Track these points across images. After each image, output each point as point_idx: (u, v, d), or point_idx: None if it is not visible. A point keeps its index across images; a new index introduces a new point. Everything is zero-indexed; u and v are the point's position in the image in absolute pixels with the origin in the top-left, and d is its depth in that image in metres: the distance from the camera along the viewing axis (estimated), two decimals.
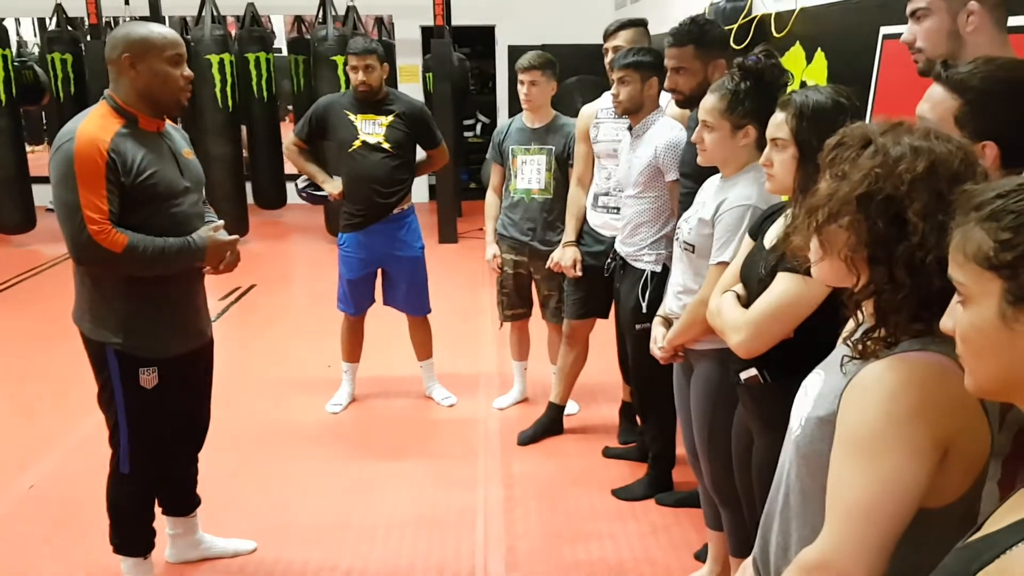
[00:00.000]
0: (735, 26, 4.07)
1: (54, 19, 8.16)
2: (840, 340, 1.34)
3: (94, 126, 2.22)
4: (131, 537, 2.53)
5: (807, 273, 1.42)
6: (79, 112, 2.33)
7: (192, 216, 2.40)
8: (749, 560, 1.43)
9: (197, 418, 2.65)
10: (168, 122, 2.44)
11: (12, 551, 2.90)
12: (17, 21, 9.86)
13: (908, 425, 1.07)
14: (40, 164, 8.13)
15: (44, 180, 8.08)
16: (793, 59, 3.57)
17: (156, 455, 2.47)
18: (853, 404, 1.12)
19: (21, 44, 10.20)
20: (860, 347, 1.17)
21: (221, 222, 2.49)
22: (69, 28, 8.28)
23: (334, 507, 3.18)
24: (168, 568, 2.77)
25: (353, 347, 4.08)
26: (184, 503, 2.76)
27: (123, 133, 2.24)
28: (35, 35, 10.70)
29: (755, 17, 3.98)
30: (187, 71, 2.33)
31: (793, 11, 3.51)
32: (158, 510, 2.65)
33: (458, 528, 3.03)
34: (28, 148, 8.01)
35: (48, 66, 8.09)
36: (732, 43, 3.94)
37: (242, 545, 2.87)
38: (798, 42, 3.52)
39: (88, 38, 7.70)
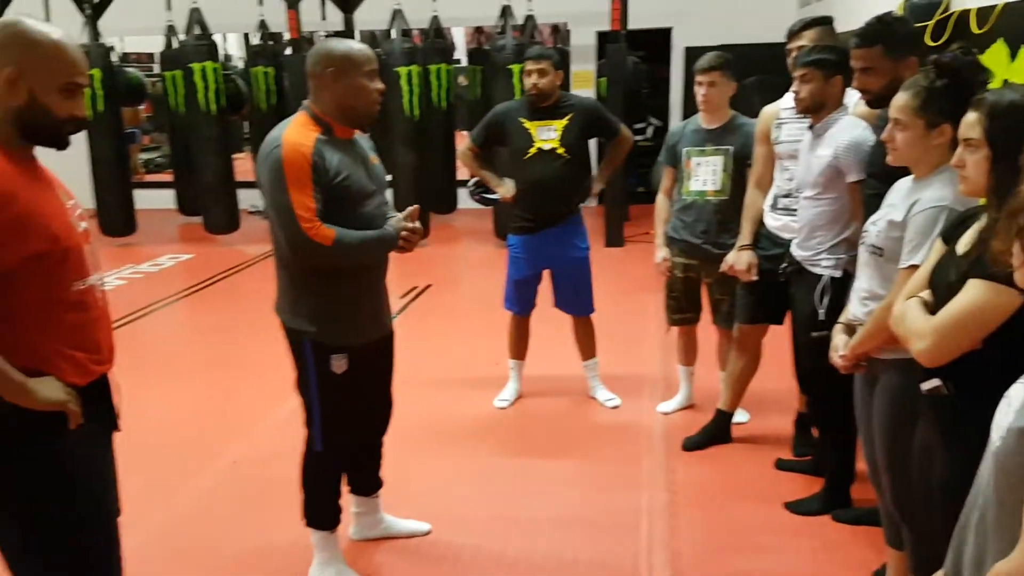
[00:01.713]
0: (931, 22, 3.85)
1: (258, 34, 8.88)
2: None
3: (296, 133, 2.42)
4: (321, 511, 2.72)
5: (1004, 280, 1.35)
6: (279, 122, 2.53)
7: (377, 216, 2.56)
8: (939, 574, 1.38)
9: (381, 403, 2.83)
10: (356, 131, 2.61)
11: (215, 520, 3.20)
12: (224, 36, 10.76)
13: None
14: (242, 170, 8.92)
15: (246, 185, 8.82)
16: (995, 57, 3.34)
17: (345, 435, 2.66)
18: None
19: (228, 58, 11.14)
20: None
21: (415, 207, 2.63)
22: (271, 42, 8.98)
23: (501, 499, 3.29)
24: (351, 544, 2.96)
25: (519, 345, 4.20)
26: (369, 483, 2.94)
27: (322, 140, 2.42)
28: (240, 49, 11.67)
29: (953, 12, 3.75)
30: (380, 84, 2.50)
31: (996, 6, 3.29)
32: (345, 489, 2.84)
33: (621, 530, 3.05)
34: (233, 156, 8.72)
35: (251, 78, 8.80)
36: (928, 40, 3.74)
37: (418, 527, 3.03)
38: (1001, 39, 3.29)
39: (288, 51, 8.32)
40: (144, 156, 11.92)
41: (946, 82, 2.02)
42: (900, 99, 2.10)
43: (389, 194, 8.17)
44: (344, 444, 2.68)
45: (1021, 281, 1.21)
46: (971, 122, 1.77)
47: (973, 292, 1.69)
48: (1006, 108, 1.72)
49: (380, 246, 2.52)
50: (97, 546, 1.86)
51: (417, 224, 2.60)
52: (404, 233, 2.55)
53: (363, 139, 2.66)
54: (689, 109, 6.02)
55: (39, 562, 1.79)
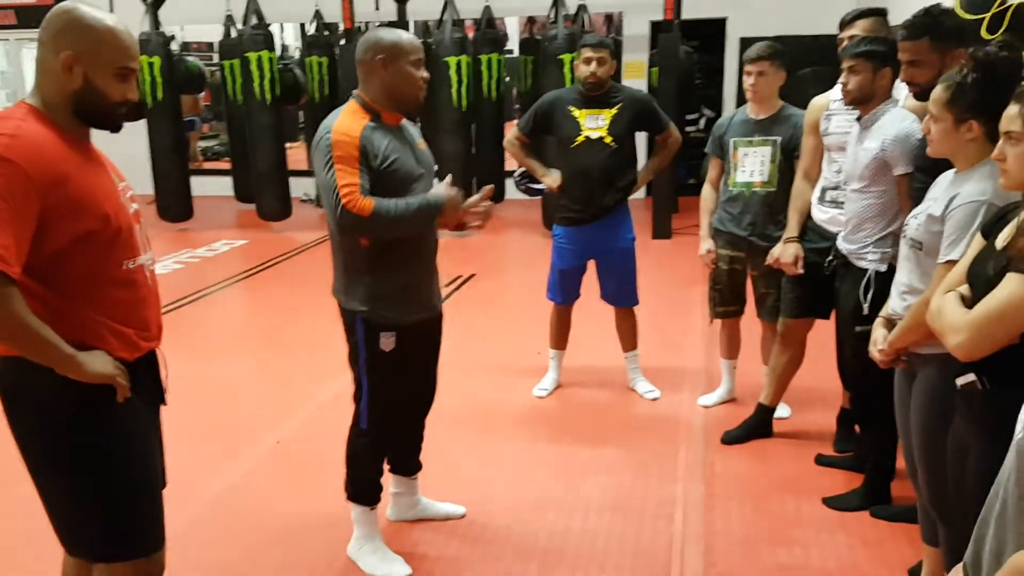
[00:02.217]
0: (988, 14, 3.75)
1: (313, 24, 9.00)
2: None
3: (347, 121, 2.52)
4: (363, 487, 2.80)
5: None
6: (331, 111, 2.62)
7: None
8: (959, 566, 1.37)
9: (426, 384, 2.89)
10: (403, 118, 2.68)
11: (258, 496, 3.30)
12: (281, 27, 10.93)
13: None
14: (297, 159, 9.08)
15: (300, 174, 8.94)
16: None
17: (391, 413, 2.74)
18: None
19: (284, 48, 11.30)
20: None
21: (450, 176, 2.69)
22: (326, 33, 9.09)
23: (536, 485, 3.32)
24: (388, 524, 3.02)
25: (561, 335, 4.22)
26: (409, 464, 3.01)
27: (371, 126, 2.52)
28: (296, 39, 11.84)
29: (1011, 5, 3.64)
30: (425, 73, 2.59)
31: None
32: (385, 468, 2.90)
33: (655, 519, 3.06)
34: (287, 145, 8.88)
35: (307, 68, 8.94)
36: (985, 33, 3.64)
37: (453, 509, 3.09)
38: None
39: (342, 42, 8.43)
40: (203, 144, 12.20)
41: (978, 77, 2.00)
42: (936, 91, 2.10)
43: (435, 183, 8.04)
44: (388, 423, 2.76)
45: None
46: (1012, 115, 1.74)
47: (1011, 286, 1.66)
48: None
49: (423, 213, 2.54)
50: (141, 515, 1.93)
51: (478, 205, 2.65)
52: (458, 197, 2.58)
53: (411, 125, 2.74)
54: (743, 100, 5.96)
55: (83, 528, 1.89)
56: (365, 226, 2.47)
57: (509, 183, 7.92)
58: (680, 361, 4.59)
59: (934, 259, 2.11)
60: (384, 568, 2.76)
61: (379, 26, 8.28)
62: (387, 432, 2.79)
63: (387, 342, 2.62)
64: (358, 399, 2.71)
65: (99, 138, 1.89)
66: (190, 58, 9.07)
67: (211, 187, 9.89)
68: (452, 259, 6.74)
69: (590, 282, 4.15)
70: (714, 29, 9.11)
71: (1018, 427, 1.23)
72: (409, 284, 2.66)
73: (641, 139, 4.06)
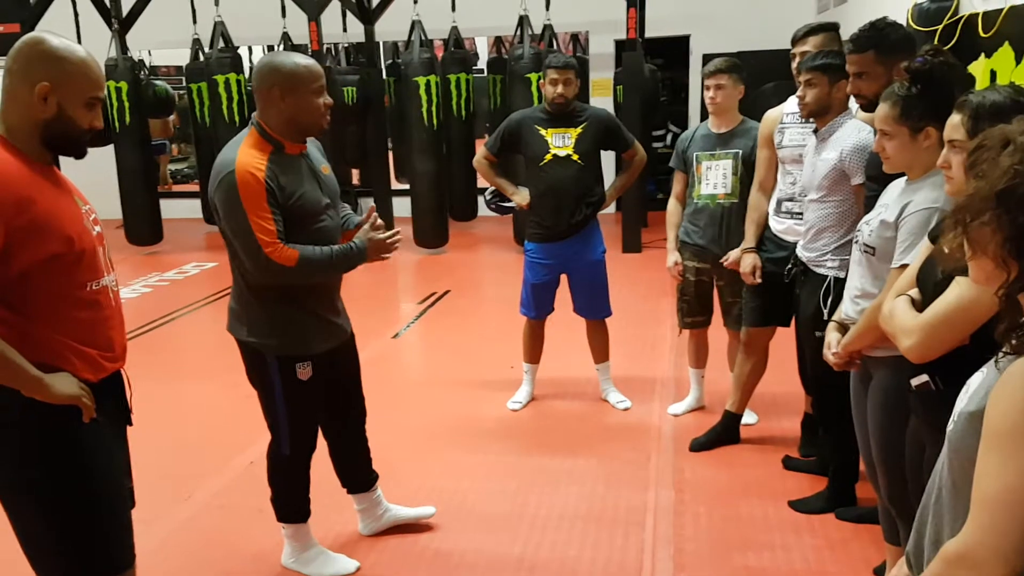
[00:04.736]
0: (940, 27, 3.88)
1: (281, 46, 9.03)
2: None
3: (248, 156, 2.39)
4: (293, 506, 2.82)
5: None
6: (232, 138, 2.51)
7: (333, 230, 2.59)
8: (903, 558, 1.43)
9: (353, 403, 2.91)
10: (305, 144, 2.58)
11: (231, 516, 3.30)
12: (250, 49, 10.94)
13: None
14: None
15: None
16: (1002, 60, 3.37)
17: (311, 437, 2.76)
18: (998, 397, 1.12)
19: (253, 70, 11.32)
20: (1013, 342, 1.16)
21: (371, 206, 2.65)
22: None
23: (510, 497, 3.35)
24: (360, 539, 3.04)
25: (534, 349, 4.26)
26: (363, 479, 3.01)
27: (273, 159, 2.41)
28: None
29: (962, 16, 3.77)
30: (328, 99, 2.48)
31: (1002, 10, 3.31)
32: (343, 490, 2.95)
33: (627, 526, 3.10)
34: None
35: None
36: (936, 44, 3.76)
37: (422, 511, 3.11)
38: (1007, 42, 3.31)
39: None
40: (173, 167, 12.16)
41: (921, 86, 2.08)
42: (881, 110, 2.16)
43: (407, 202, 8.20)
44: (311, 444, 2.77)
45: (972, 275, 1.27)
46: (955, 123, 1.82)
47: (959, 289, 1.72)
48: (989, 109, 1.77)
49: (348, 261, 2.54)
50: (109, 534, 1.94)
51: (394, 234, 2.62)
52: (380, 239, 2.56)
53: (315, 147, 2.64)
54: (708, 116, 6.06)
55: (52, 550, 1.89)
56: (289, 275, 2.41)
57: (480, 200, 8.00)
58: (650, 371, 4.65)
59: (887, 264, 2.18)
60: (330, 568, 2.79)
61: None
62: (308, 454, 2.77)
63: (304, 372, 2.58)
64: (275, 429, 2.69)
65: (67, 163, 1.92)
66: (158, 82, 9.07)
67: (182, 210, 9.84)
68: (426, 276, 6.79)
69: (562, 295, 4.20)
70: (678, 46, 9.26)
71: (951, 419, 1.29)
72: (318, 312, 2.61)
73: (610, 157, 4.12)
